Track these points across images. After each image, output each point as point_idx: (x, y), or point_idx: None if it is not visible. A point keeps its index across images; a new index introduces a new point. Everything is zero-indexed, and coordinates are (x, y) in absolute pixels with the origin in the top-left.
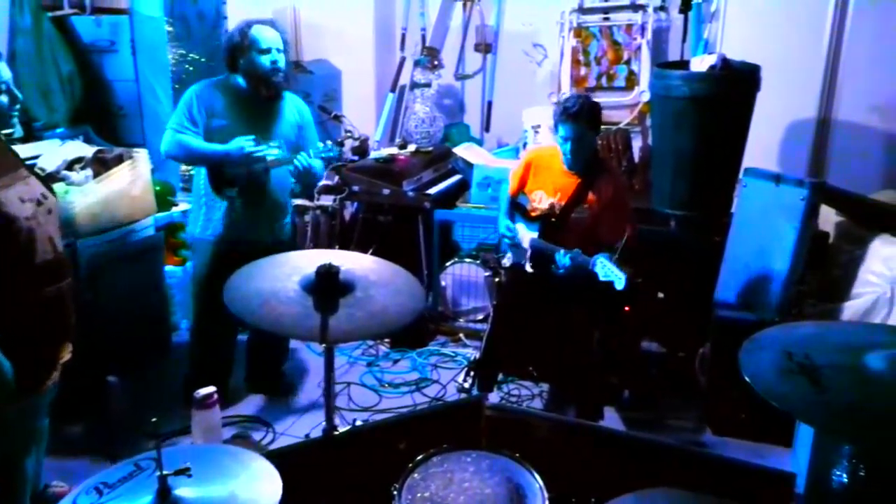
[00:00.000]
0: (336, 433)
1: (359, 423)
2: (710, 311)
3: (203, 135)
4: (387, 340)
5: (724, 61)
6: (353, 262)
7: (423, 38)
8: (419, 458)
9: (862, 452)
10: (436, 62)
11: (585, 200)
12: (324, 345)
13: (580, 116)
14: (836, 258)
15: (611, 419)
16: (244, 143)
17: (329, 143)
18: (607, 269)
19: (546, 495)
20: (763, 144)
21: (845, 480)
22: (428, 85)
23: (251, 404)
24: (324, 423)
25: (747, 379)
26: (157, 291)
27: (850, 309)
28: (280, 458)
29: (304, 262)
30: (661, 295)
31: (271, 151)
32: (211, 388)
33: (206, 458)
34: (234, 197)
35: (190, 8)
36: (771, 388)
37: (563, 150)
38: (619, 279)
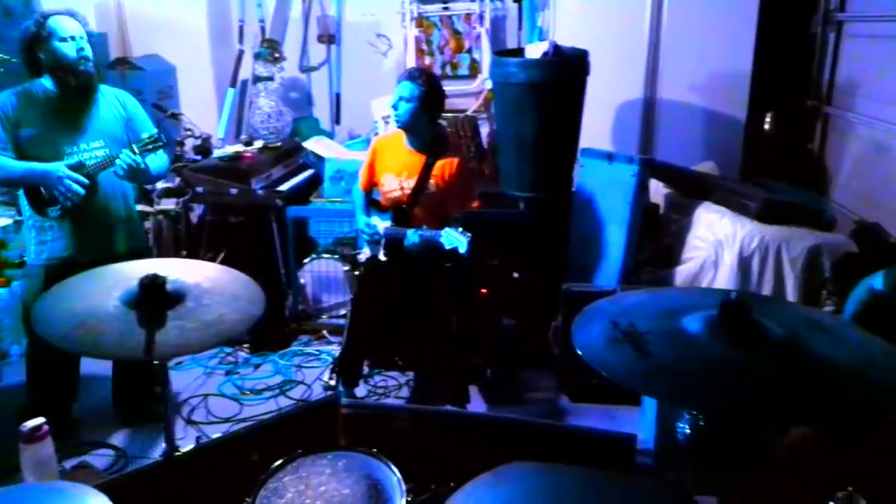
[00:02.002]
0: (178, 453)
1: (217, 435)
2: (561, 285)
3: (13, 149)
4: (246, 346)
5: (556, 48)
6: (184, 270)
7: (263, 30)
8: (272, 466)
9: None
10: (277, 55)
11: (431, 177)
12: (157, 361)
13: (416, 77)
14: (667, 227)
15: (475, 399)
16: (60, 168)
17: (155, 131)
18: (450, 237)
19: (404, 487)
20: (598, 125)
21: (688, 432)
22: (271, 78)
23: (105, 429)
24: (180, 442)
25: (579, 351)
26: None
27: (682, 273)
28: (117, 489)
29: (127, 274)
30: (515, 274)
31: (94, 154)
32: (39, 420)
33: (30, 498)
34: (59, 216)
35: None
36: (600, 358)
37: (399, 114)
38: (461, 243)
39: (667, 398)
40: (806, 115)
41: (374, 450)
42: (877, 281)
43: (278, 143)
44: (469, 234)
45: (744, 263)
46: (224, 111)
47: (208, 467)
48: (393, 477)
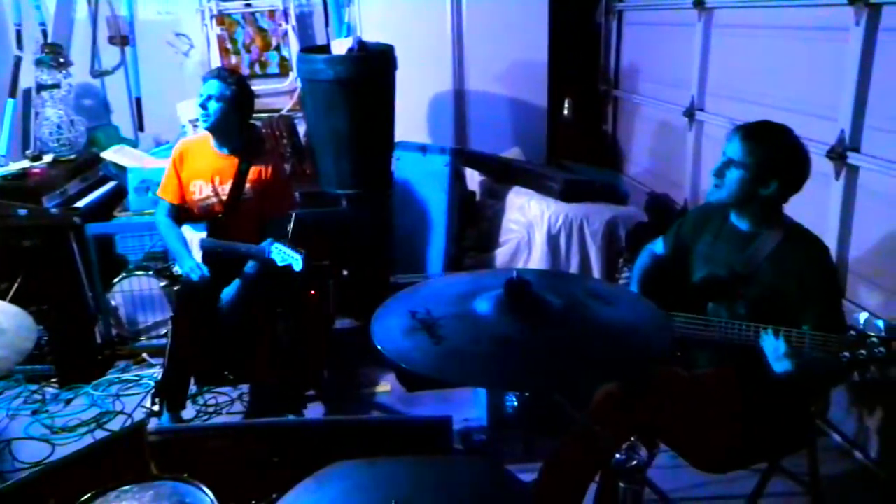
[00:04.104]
0: None
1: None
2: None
3: None
4: (54, 380)
5: (361, 43)
6: None
7: (45, 33)
8: None
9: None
10: (62, 59)
11: (247, 181)
12: None
13: (225, 76)
14: (485, 212)
15: (314, 403)
16: None
17: None
18: (283, 254)
19: None
20: (414, 119)
21: (516, 403)
22: (57, 86)
23: None
24: None
25: (378, 345)
26: None
27: (501, 255)
28: None
29: None
30: (344, 272)
31: None
32: None
33: None
34: None
35: None
36: (397, 349)
37: (208, 113)
38: (296, 261)
39: (459, 379)
40: (599, 100)
41: (186, 474)
42: (657, 246)
43: (72, 156)
44: (303, 251)
45: (553, 241)
46: (4, 125)
47: None
48: (206, 499)
